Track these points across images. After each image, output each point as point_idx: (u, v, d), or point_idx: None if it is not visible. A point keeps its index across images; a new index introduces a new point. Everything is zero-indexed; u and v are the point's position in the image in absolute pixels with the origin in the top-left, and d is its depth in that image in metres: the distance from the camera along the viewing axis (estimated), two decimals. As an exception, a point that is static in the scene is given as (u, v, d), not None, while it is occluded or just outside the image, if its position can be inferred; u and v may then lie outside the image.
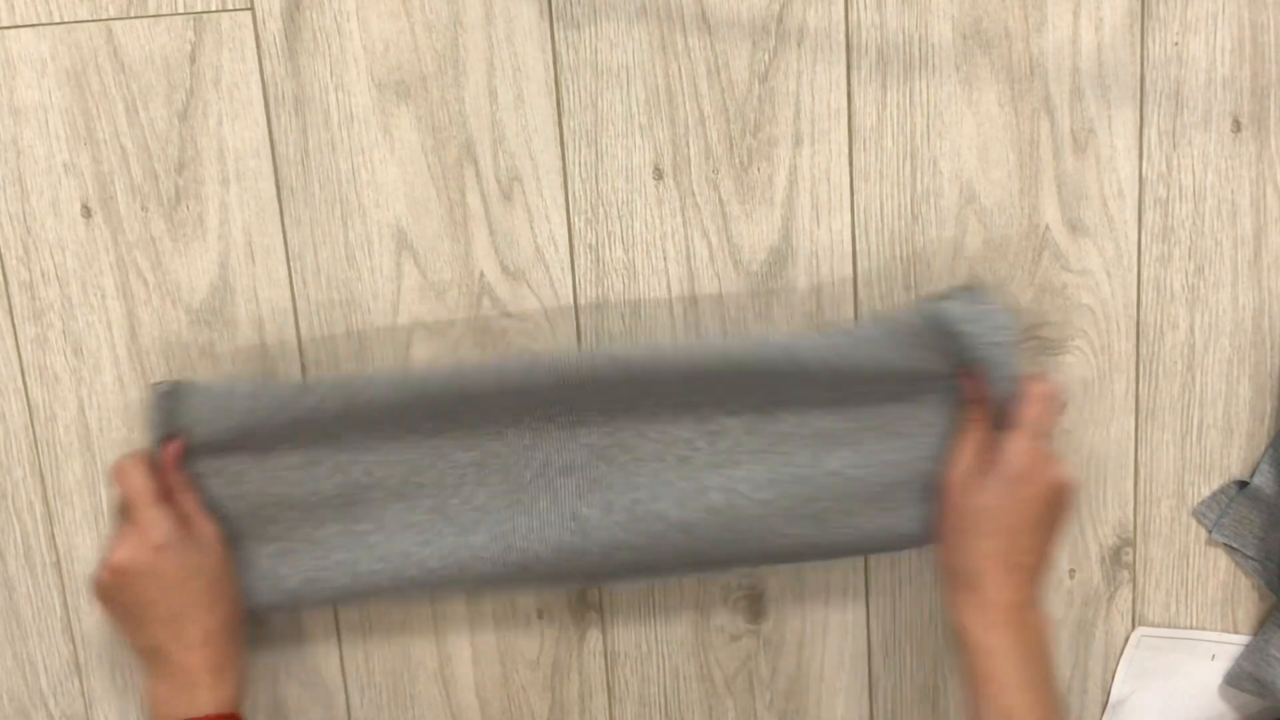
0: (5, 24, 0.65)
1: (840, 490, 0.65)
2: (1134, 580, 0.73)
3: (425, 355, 0.69)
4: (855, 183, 0.68)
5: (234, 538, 0.66)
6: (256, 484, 0.66)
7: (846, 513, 0.65)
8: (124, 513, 0.64)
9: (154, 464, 0.64)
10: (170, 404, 0.64)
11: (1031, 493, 0.61)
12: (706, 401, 0.65)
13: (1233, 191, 0.68)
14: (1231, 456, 0.72)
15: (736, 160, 0.68)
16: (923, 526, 0.66)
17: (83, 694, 0.74)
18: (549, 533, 0.65)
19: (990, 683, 0.61)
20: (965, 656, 0.62)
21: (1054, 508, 0.63)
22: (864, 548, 0.68)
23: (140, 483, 0.63)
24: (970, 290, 0.64)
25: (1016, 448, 0.61)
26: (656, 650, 0.74)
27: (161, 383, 0.64)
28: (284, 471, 0.66)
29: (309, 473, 0.66)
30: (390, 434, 0.66)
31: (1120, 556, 0.73)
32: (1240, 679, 0.73)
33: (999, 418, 0.63)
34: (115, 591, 0.64)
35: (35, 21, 0.65)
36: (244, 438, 0.64)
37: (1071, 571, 0.73)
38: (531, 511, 0.66)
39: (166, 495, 0.64)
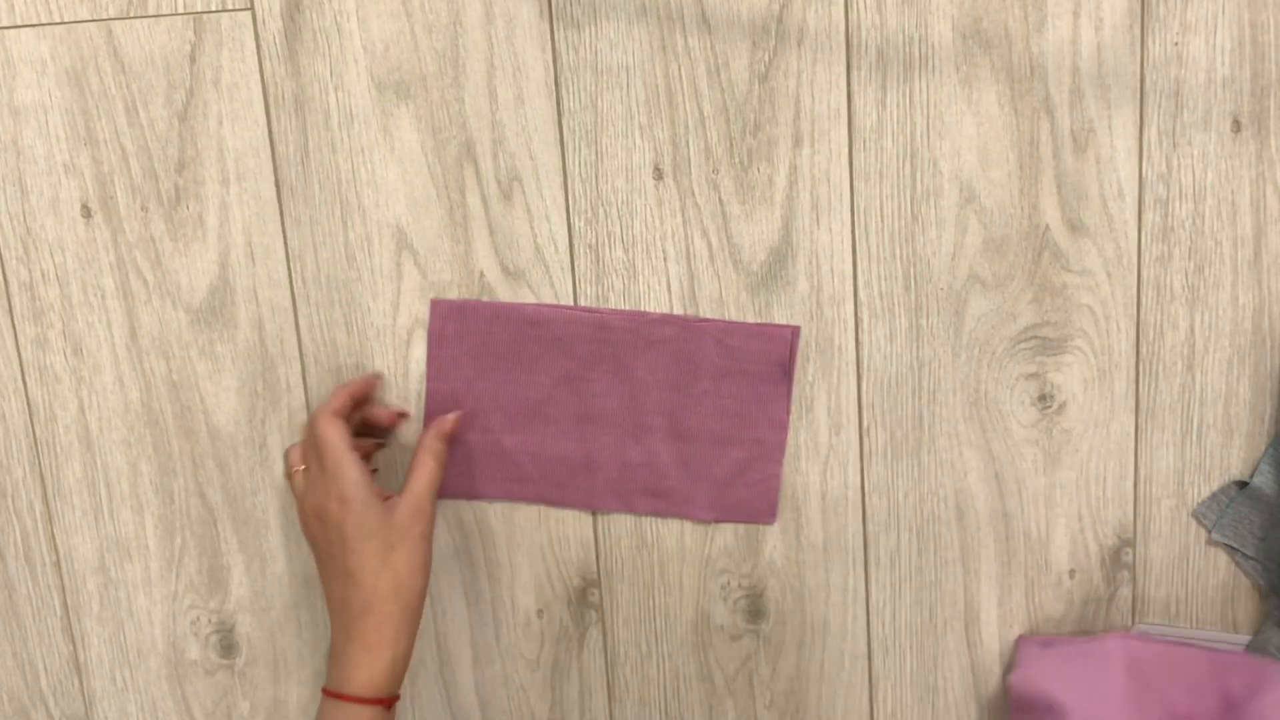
0: (5, 24, 0.65)
1: None
2: (1134, 580, 0.73)
3: (425, 355, 0.69)
4: (855, 183, 0.68)
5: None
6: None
7: None
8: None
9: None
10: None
11: None
12: None
13: (1233, 191, 0.68)
14: (1231, 456, 0.72)
15: (736, 160, 0.68)
16: None
17: (83, 694, 0.74)
18: None
19: None
20: None
21: None
22: None
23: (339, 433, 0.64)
24: None
25: None
26: (656, 650, 0.74)
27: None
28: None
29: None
30: None
31: (1120, 556, 0.73)
32: (1240, 679, 0.73)
33: None
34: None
35: (35, 21, 0.65)
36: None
37: (1072, 571, 0.73)
38: None
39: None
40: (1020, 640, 0.73)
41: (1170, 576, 0.73)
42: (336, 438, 0.63)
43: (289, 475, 0.66)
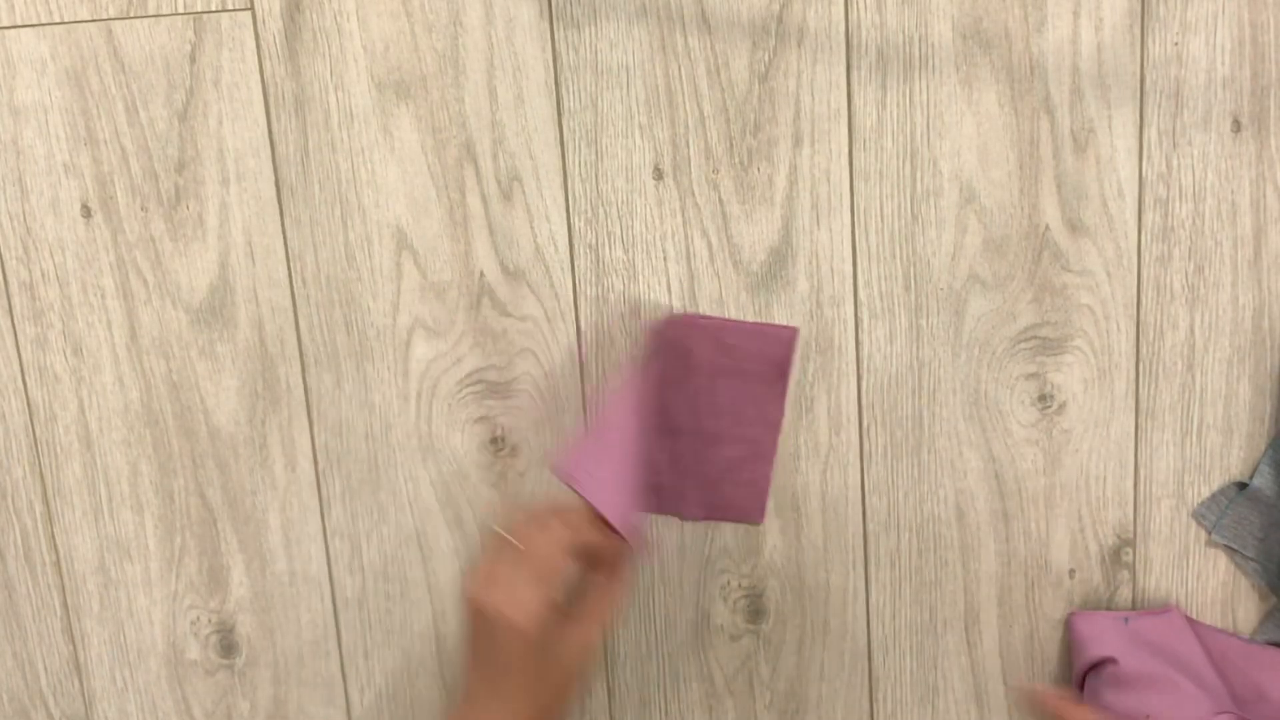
0: (5, 24, 0.65)
1: None
2: (1134, 580, 0.73)
3: (425, 355, 0.70)
4: (855, 183, 0.68)
5: None
6: None
7: None
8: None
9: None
10: None
11: None
12: None
13: (1233, 191, 0.68)
14: (1231, 457, 0.72)
15: (736, 160, 0.68)
16: None
17: (83, 694, 0.74)
18: None
19: None
20: None
21: None
22: None
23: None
24: None
25: None
26: (656, 650, 0.74)
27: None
28: None
29: None
30: None
31: (1120, 556, 0.73)
32: (1240, 679, 0.73)
33: None
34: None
35: (35, 21, 0.65)
36: None
37: (1071, 571, 0.73)
38: None
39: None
40: (1081, 617, 0.72)
41: (1170, 576, 0.73)
42: (550, 565, 0.56)
43: (493, 528, 0.58)
